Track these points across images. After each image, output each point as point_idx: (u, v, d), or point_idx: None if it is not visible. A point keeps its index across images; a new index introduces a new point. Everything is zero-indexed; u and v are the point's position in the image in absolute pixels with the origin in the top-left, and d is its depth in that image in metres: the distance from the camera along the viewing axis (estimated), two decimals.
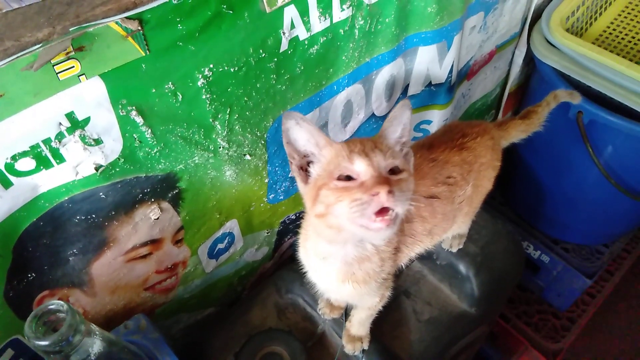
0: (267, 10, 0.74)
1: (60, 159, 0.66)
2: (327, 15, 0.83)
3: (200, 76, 0.73)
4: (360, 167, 0.60)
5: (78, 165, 0.68)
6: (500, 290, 1.15)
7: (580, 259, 1.51)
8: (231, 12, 0.70)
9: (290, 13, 0.78)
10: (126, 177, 0.75)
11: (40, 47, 0.55)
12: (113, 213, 0.77)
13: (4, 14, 0.57)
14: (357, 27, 0.90)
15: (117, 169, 0.72)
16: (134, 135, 0.71)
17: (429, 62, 1.12)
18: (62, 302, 0.59)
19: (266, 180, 1.00)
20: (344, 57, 0.93)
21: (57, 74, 0.58)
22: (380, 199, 0.56)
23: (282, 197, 1.07)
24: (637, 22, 1.42)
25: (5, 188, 0.64)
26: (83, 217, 0.74)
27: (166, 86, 0.70)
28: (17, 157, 0.62)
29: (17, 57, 0.55)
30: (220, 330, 1.00)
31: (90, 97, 0.63)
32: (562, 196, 1.46)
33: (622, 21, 1.43)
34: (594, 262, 1.51)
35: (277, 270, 1.16)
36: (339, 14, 0.85)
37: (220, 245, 1.02)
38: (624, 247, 1.61)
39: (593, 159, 1.24)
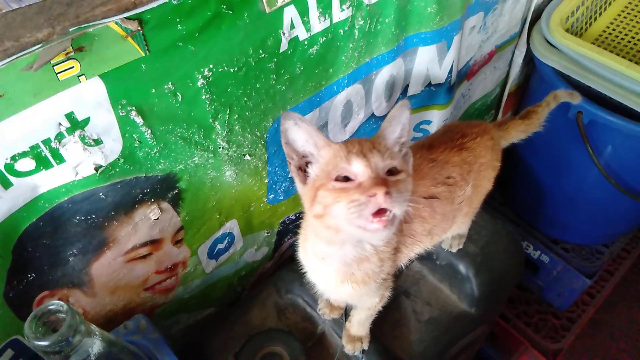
0: (267, 10, 0.74)
1: (60, 159, 0.66)
2: (326, 15, 0.83)
3: (200, 76, 0.73)
4: (358, 168, 0.60)
5: (78, 166, 0.68)
6: (500, 290, 1.15)
7: (580, 259, 1.51)
8: (231, 12, 0.70)
9: (290, 13, 0.78)
10: (126, 178, 0.75)
11: (40, 47, 0.55)
12: (113, 213, 0.77)
13: (4, 14, 0.57)
14: (356, 27, 0.90)
15: (117, 169, 0.73)
16: (134, 135, 0.71)
17: (428, 62, 1.12)
18: (62, 303, 0.59)
19: (266, 181, 1.00)
20: (343, 57, 0.93)
21: (56, 74, 0.58)
22: (378, 200, 0.56)
23: (282, 198, 1.07)
24: (637, 22, 1.42)
25: (5, 188, 0.64)
26: (83, 218, 0.74)
27: (166, 86, 0.70)
28: (16, 158, 0.62)
29: (17, 57, 0.55)
30: (220, 330, 1.00)
31: (90, 97, 0.63)
32: (562, 196, 1.46)
33: (622, 21, 1.43)
34: (594, 262, 1.51)
35: (277, 270, 1.16)
36: (339, 14, 0.85)
37: (220, 246, 1.02)
38: (624, 247, 1.61)
39: (593, 159, 1.24)
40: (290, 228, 1.18)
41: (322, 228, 0.65)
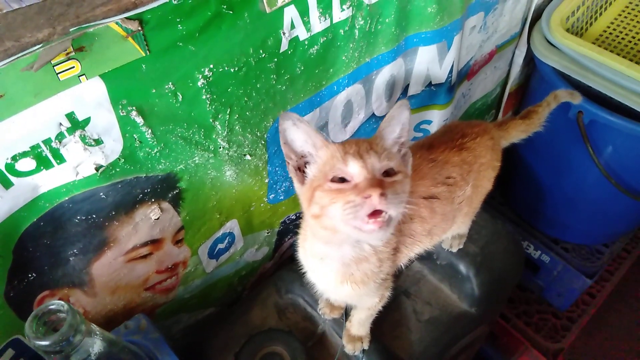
0: (267, 10, 0.74)
1: (60, 159, 0.66)
2: (327, 15, 0.83)
3: (200, 76, 0.73)
4: (354, 169, 0.60)
5: (78, 166, 0.68)
6: (500, 290, 1.15)
7: (580, 259, 1.51)
8: (231, 12, 0.70)
9: (290, 13, 0.78)
10: (126, 177, 0.75)
11: (41, 47, 0.55)
12: (113, 213, 0.77)
13: (4, 14, 0.57)
14: (357, 27, 0.90)
15: (118, 169, 0.73)
16: (134, 135, 0.71)
17: (429, 62, 1.12)
18: (62, 302, 0.59)
19: (266, 181, 1.00)
20: (344, 57, 0.93)
21: (57, 74, 0.58)
22: (373, 202, 0.56)
23: (282, 197, 1.07)
24: (637, 22, 1.42)
25: (5, 188, 0.64)
26: (83, 217, 0.74)
27: (166, 86, 0.70)
28: (17, 158, 0.62)
29: (18, 57, 0.55)
30: (220, 330, 1.00)
31: (90, 97, 0.63)
32: (562, 196, 1.46)
33: (622, 21, 1.43)
34: (594, 262, 1.51)
35: (277, 270, 1.16)
36: (339, 14, 0.85)
37: (221, 245, 1.02)
38: (624, 247, 1.61)
39: (593, 159, 1.24)
40: (291, 228, 1.18)
41: (320, 228, 0.65)
